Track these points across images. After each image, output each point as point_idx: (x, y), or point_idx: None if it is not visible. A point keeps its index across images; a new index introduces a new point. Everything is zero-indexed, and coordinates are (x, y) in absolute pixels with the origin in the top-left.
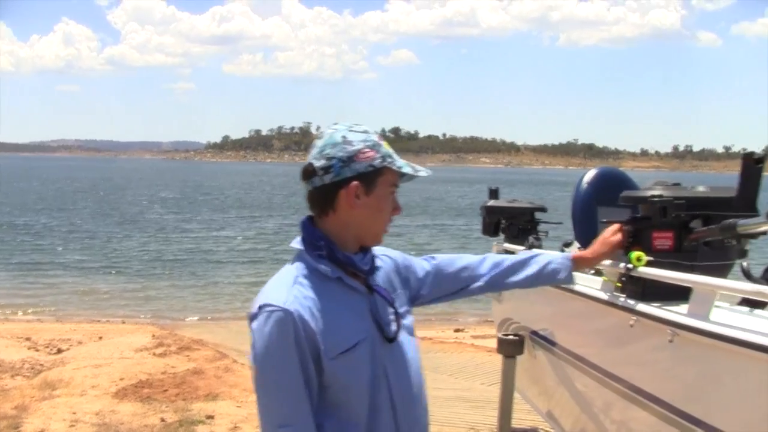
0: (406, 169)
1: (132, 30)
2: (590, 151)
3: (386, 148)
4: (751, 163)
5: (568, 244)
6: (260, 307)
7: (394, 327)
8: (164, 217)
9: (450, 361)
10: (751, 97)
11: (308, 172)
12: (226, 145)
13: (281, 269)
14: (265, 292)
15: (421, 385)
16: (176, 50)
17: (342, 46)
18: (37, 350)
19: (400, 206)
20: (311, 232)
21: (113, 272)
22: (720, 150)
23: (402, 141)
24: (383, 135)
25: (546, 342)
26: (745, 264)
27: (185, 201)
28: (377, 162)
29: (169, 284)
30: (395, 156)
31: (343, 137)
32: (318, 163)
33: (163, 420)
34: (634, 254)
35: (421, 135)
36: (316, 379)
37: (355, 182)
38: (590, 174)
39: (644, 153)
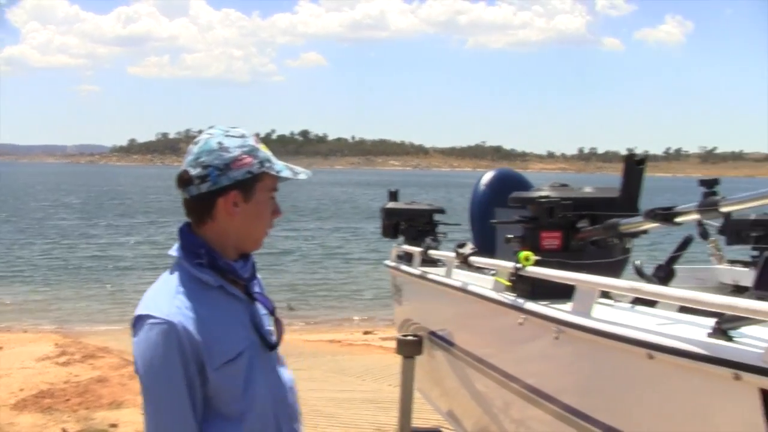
0: (285, 173)
1: (33, 29)
2: (498, 154)
3: (264, 151)
4: (632, 164)
5: (461, 245)
6: (141, 319)
7: (274, 335)
8: (69, 222)
9: (358, 363)
10: (652, 100)
11: (184, 180)
12: (133, 149)
13: (160, 278)
14: (145, 302)
15: (296, 394)
16: (80, 51)
17: (250, 48)
18: None
19: (280, 209)
20: (191, 239)
21: (15, 280)
22: (623, 152)
23: (311, 144)
24: (260, 137)
25: (444, 342)
26: (638, 262)
27: (90, 206)
28: (255, 168)
29: (73, 291)
30: (273, 159)
31: (219, 143)
32: (194, 172)
33: (64, 430)
34: (523, 254)
35: (330, 138)
36: (200, 391)
37: (233, 191)
38: (488, 176)
39: (550, 155)
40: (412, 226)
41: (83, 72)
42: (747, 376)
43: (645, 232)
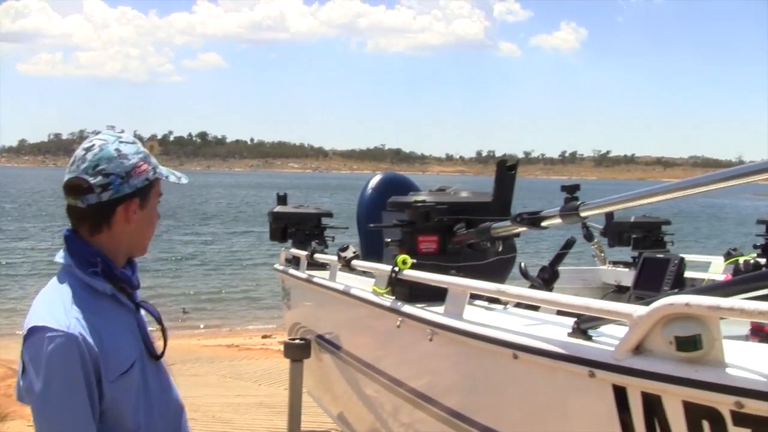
0: (172, 178)
1: None
2: (397, 156)
3: (153, 157)
4: (504, 169)
5: (344, 249)
6: (36, 331)
7: (159, 344)
8: None
9: (255, 367)
10: (549, 105)
11: (82, 189)
12: (23, 150)
13: (49, 286)
14: (38, 313)
15: (182, 407)
16: None
17: (147, 47)
18: None
19: (158, 214)
20: (83, 247)
21: None
22: (521, 155)
23: (209, 145)
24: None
25: (331, 346)
26: (522, 264)
27: None
28: (150, 175)
29: None
30: (159, 165)
31: (118, 150)
32: (94, 180)
33: None
34: (400, 257)
35: (228, 140)
36: (98, 405)
37: (133, 199)
38: (374, 180)
39: (449, 158)
40: (299, 229)
41: None
42: (601, 373)
43: (516, 235)
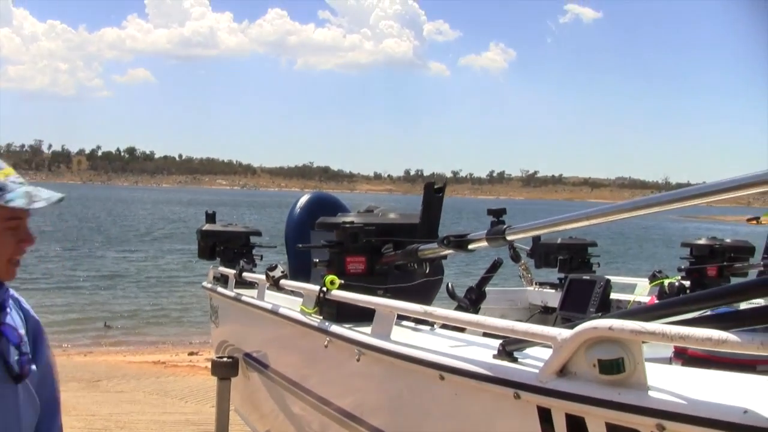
0: (17, 203)
1: None
2: (326, 174)
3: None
4: (431, 192)
5: (272, 268)
6: None
7: (17, 367)
8: None
9: (181, 384)
10: (477, 124)
11: None
12: None
13: None
14: None
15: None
16: None
17: (76, 62)
18: None
19: (30, 236)
20: None
21: None
22: (449, 174)
23: (137, 161)
24: (3, 160)
25: (258, 364)
26: (450, 285)
27: None
28: None
29: None
30: (12, 187)
31: None
32: None
33: None
34: (328, 278)
35: (157, 155)
36: None
37: None
38: (303, 199)
39: (378, 176)
40: (228, 248)
41: None
42: (525, 395)
43: (443, 257)
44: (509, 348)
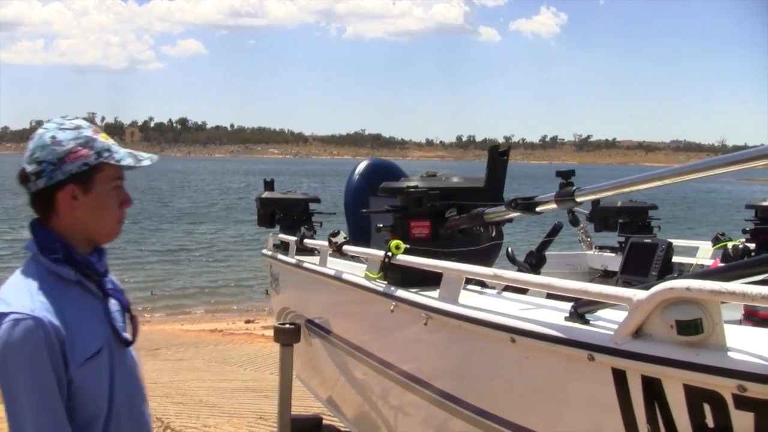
0: (127, 161)
1: None
2: (377, 141)
3: (104, 141)
4: (496, 155)
5: (334, 234)
6: (1, 316)
7: (128, 332)
8: None
9: (239, 352)
10: (529, 89)
11: (22, 177)
12: (5, 137)
13: (15, 273)
14: (8, 297)
15: (145, 398)
16: None
17: (127, 34)
18: None
19: (129, 199)
20: (45, 234)
21: None
22: (501, 140)
23: (189, 132)
24: (99, 126)
25: (321, 330)
26: (510, 249)
27: None
28: (92, 159)
29: None
30: (115, 148)
31: (53, 138)
32: (30, 168)
33: None
34: (393, 243)
35: (209, 126)
36: (65, 387)
37: (70, 185)
38: (362, 166)
39: (429, 143)
40: (287, 215)
41: None
42: (600, 357)
43: (509, 220)
44: (581, 310)
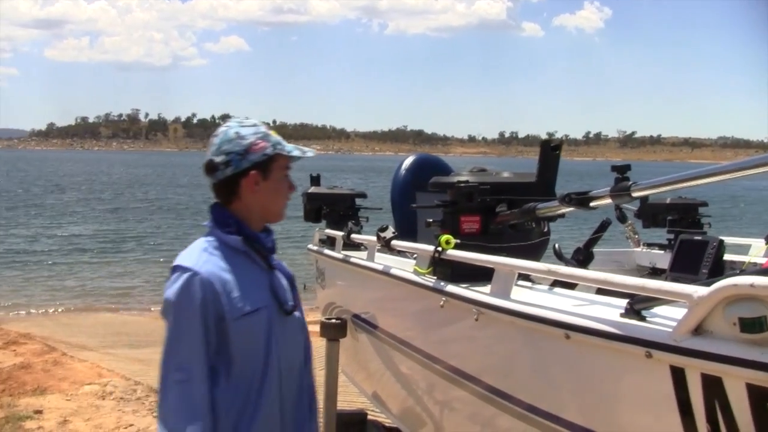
0: (295, 153)
1: None
2: (419, 138)
3: (275, 136)
4: (548, 150)
5: (383, 229)
6: (174, 268)
7: (290, 302)
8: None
9: None
10: (572, 85)
11: (211, 168)
12: (52, 133)
13: (195, 241)
14: (180, 256)
15: (303, 366)
16: None
17: (170, 31)
18: None
19: (294, 185)
20: (222, 212)
21: None
22: (544, 136)
23: None
24: (269, 125)
25: (367, 325)
26: (557, 245)
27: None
28: (269, 150)
29: None
30: (284, 142)
31: (237, 133)
32: (218, 159)
33: None
34: (444, 237)
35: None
36: (214, 336)
37: (253, 171)
38: (408, 161)
39: (472, 139)
40: (333, 210)
41: (0, 54)
42: (658, 354)
43: (562, 215)
44: (638, 306)
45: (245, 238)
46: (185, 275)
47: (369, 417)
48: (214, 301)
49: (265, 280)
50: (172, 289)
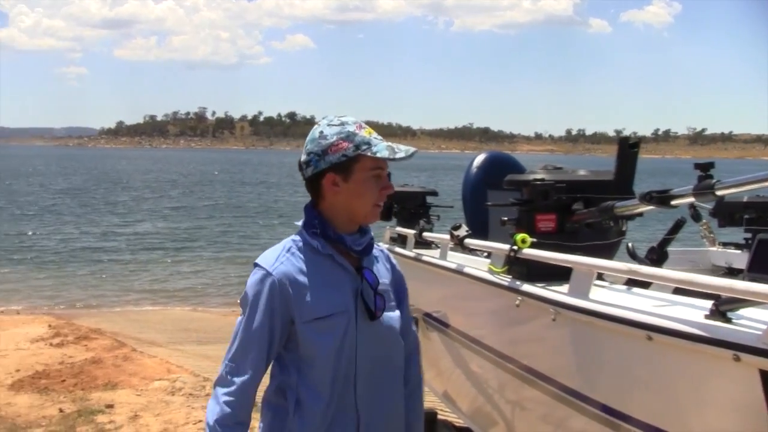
0: (382, 154)
1: (20, 12)
2: (485, 135)
3: (364, 135)
4: (626, 147)
5: (456, 228)
6: (255, 266)
7: (373, 307)
8: (65, 205)
9: None
10: (640, 82)
11: (299, 167)
12: (121, 131)
13: (283, 240)
14: (263, 254)
15: (395, 371)
16: (67, 34)
17: (237, 30)
18: None
19: (390, 185)
20: (309, 212)
21: (12, 261)
22: (611, 133)
23: (298, 125)
24: (363, 123)
25: (439, 324)
26: (630, 245)
27: (92, 189)
28: (350, 152)
29: (67, 273)
30: (375, 142)
31: (321, 132)
32: (303, 158)
33: (61, 410)
34: (519, 236)
35: (317, 119)
36: (279, 337)
37: (330, 173)
38: (480, 158)
39: (538, 136)
40: (404, 208)
41: (70, 54)
42: (747, 358)
43: (640, 214)
44: (723, 308)
45: (328, 239)
46: (259, 274)
47: (439, 416)
48: (284, 303)
49: (349, 283)
50: (247, 285)
